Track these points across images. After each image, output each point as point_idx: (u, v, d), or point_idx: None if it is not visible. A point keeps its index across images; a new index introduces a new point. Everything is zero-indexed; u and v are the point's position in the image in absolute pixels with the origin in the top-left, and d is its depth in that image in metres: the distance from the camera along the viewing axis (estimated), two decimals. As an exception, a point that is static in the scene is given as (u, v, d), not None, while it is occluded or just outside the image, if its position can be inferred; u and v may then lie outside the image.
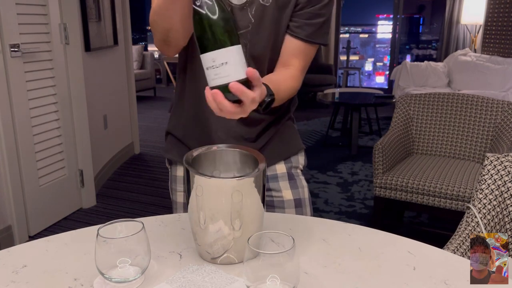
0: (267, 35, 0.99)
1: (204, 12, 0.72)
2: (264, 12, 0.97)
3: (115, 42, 3.79)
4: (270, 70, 1.04)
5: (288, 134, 1.15)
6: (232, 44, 0.72)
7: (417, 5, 8.76)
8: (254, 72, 0.73)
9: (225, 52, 0.71)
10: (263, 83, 0.87)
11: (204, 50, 0.72)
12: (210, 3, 0.72)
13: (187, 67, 1.06)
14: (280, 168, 1.13)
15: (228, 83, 0.71)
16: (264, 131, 1.10)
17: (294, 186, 1.14)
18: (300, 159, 1.18)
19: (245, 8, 0.97)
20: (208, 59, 0.72)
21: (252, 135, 1.08)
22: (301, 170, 1.18)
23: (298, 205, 1.13)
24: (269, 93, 0.86)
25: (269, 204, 1.13)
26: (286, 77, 0.99)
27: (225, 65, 0.71)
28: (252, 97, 0.73)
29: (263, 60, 1.02)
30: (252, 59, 1.00)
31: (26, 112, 2.51)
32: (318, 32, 1.01)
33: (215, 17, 0.71)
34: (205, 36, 0.72)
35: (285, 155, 1.14)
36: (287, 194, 1.13)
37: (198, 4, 0.72)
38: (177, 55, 1.07)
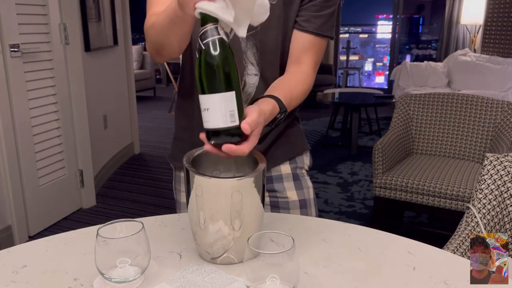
0: (275, 34, 0.99)
1: (202, 55, 0.71)
2: (271, 11, 0.97)
3: (115, 42, 3.79)
4: (283, 68, 1.03)
5: (293, 134, 1.14)
6: (218, 91, 0.71)
7: (416, 5, 8.76)
8: (247, 126, 0.73)
9: (208, 98, 0.72)
10: (275, 97, 0.87)
11: (199, 91, 0.73)
12: (211, 47, 0.70)
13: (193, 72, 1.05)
14: (285, 168, 1.13)
15: (209, 129, 0.73)
16: (270, 132, 1.09)
17: (299, 186, 1.13)
18: (305, 160, 1.17)
19: None
20: (200, 101, 0.74)
21: None
22: (306, 171, 1.17)
23: (303, 206, 1.13)
24: (281, 110, 0.86)
25: (274, 205, 1.12)
26: (298, 82, 0.98)
27: (206, 111, 0.72)
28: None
29: (275, 59, 1.02)
30: (264, 59, 1.01)
31: (26, 112, 2.51)
32: (326, 24, 1.00)
33: (211, 61, 0.71)
34: (199, 78, 0.72)
35: (290, 156, 1.13)
36: (292, 194, 1.12)
37: (202, 43, 0.71)
38: (179, 59, 1.07)
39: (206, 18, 0.71)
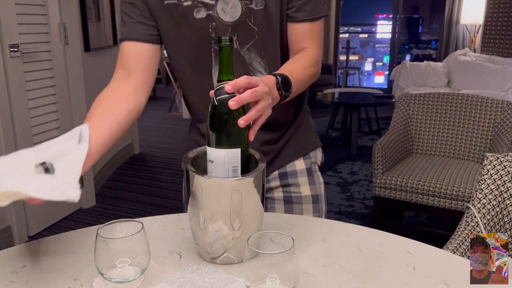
0: (275, 34, 0.99)
1: (214, 111, 0.73)
2: (264, 15, 0.96)
3: (115, 42, 3.79)
4: (285, 60, 1.03)
5: (305, 131, 1.16)
6: (224, 147, 0.74)
7: (416, 5, 8.76)
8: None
9: (214, 151, 0.75)
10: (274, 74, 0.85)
11: (207, 143, 0.76)
12: (224, 105, 0.71)
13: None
14: (299, 164, 1.15)
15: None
16: (284, 132, 1.11)
17: (312, 182, 1.15)
18: (318, 155, 1.19)
19: (244, 20, 0.95)
20: (207, 151, 0.77)
21: (274, 138, 1.09)
22: (319, 166, 1.20)
23: (315, 201, 1.15)
24: (280, 78, 0.84)
25: (287, 200, 1.14)
26: (301, 66, 0.96)
27: (211, 163, 0.76)
28: None
29: (278, 58, 1.02)
30: (270, 63, 1.00)
31: (26, 112, 2.51)
32: (317, 5, 0.98)
33: (221, 118, 0.73)
34: (209, 130, 0.74)
35: (304, 152, 1.16)
36: (305, 189, 1.14)
37: (216, 99, 0.72)
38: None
39: (222, 75, 0.73)
